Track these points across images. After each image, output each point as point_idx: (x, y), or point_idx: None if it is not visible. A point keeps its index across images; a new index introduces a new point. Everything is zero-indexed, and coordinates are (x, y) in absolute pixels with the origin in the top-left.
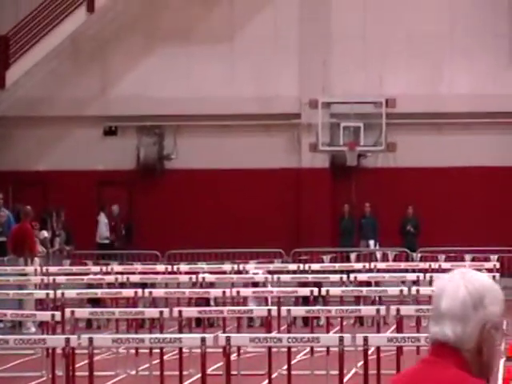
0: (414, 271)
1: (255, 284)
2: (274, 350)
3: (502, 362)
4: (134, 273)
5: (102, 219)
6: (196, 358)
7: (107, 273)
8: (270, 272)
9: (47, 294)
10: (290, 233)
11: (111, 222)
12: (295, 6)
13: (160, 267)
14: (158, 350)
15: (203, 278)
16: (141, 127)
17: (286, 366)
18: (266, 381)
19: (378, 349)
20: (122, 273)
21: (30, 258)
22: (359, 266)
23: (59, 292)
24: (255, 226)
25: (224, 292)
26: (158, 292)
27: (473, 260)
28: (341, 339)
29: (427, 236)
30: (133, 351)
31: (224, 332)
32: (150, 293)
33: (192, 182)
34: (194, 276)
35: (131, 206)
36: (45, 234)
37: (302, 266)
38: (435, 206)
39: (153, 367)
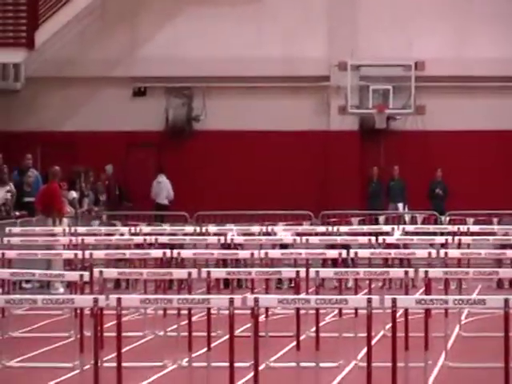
0: (442, 234)
1: (283, 246)
2: (302, 311)
3: None
4: (162, 234)
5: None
6: (224, 319)
7: (135, 234)
8: (298, 234)
9: (75, 255)
10: (319, 195)
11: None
12: None
13: (188, 228)
14: (185, 311)
15: (232, 240)
16: (170, 88)
17: (314, 328)
18: (294, 342)
19: (406, 311)
20: (150, 234)
21: (59, 218)
22: (388, 228)
23: (87, 252)
24: (284, 188)
25: (252, 253)
26: (187, 253)
27: (499, 223)
28: (369, 301)
29: (455, 199)
30: (161, 312)
31: (252, 293)
32: (179, 253)
33: (221, 143)
34: (222, 237)
35: (160, 167)
36: (73, 194)
37: (330, 228)
38: (463, 169)
39: (181, 328)
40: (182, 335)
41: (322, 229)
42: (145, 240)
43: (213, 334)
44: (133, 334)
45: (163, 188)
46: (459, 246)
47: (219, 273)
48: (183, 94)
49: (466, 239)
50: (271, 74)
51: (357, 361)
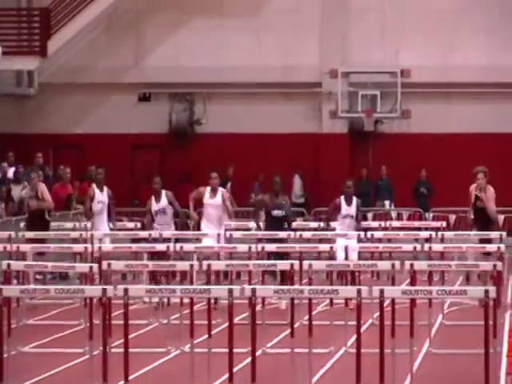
0: (426, 229)
1: (279, 240)
2: (296, 301)
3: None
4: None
5: None
6: (223, 308)
7: (142, 228)
8: (292, 230)
9: (86, 248)
10: (311, 193)
11: None
12: None
13: (191, 224)
14: (188, 300)
15: (231, 235)
16: (173, 94)
17: (307, 317)
18: (289, 330)
19: (392, 301)
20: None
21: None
22: (375, 224)
23: (97, 246)
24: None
25: (250, 247)
26: (189, 246)
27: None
28: (358, 291)
29: (439, 197)
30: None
31: (250, 284)
32: (181, 247)
33: (221, 145)
34: (222, 232)
35: (163, 168)
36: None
37: (322, 224)
38: (446, 170)
39: (183, 316)
40: (184, 323)
41: (314, 224)
42: (150, 235)
43: (213, 322)
44: (139, 322)
45: None
46: (442, 240)
47: (219, 265)
48: (186, 99)
49: (448, 234)
50: (268, 80)
51: (347, 347)
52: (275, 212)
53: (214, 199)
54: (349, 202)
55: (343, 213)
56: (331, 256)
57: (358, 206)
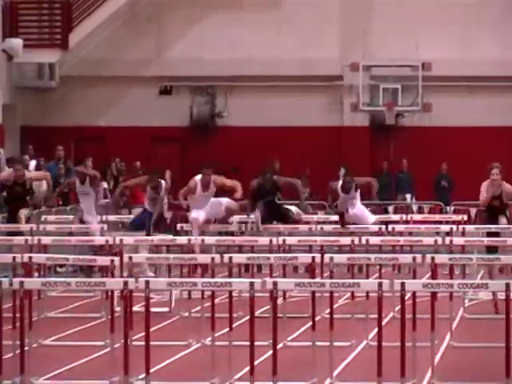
0: (447, 223)
1: (300, 233)
2: (317, 294)
3: None
4: (188, 222)
5: None
6: (245, 301)
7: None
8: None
9: (106, 241)
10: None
11: None
12: None
13: None
14: (209, 293)
15: (252, 228)
16: (194, 87)
17: (328, 310)
18: (310, 323)
19: (413, 294)
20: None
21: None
22: (396, 217)
23: (118, 238)
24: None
25: (271, 240)
26: (210, 239)
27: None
28: (380, 285)
29: (459, 191)
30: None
31: (271, 277)
32: (203, 240)
33: (241, 138)
34: (243, 225)
35: (184, 160)
36: (104, 185)
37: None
38: (467, 163)
39: (204, 309)
40: (205, 316)
41: (335, 218)
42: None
43: (234, 315)
44: (160, 315)
45: None
46: (463, 234)
47: (240, 258)
48: (207, 92)
49: (469, 228)
50: (289, 73)
51: (368, 340)
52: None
53: (207, 193)
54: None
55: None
56: (352, 249)
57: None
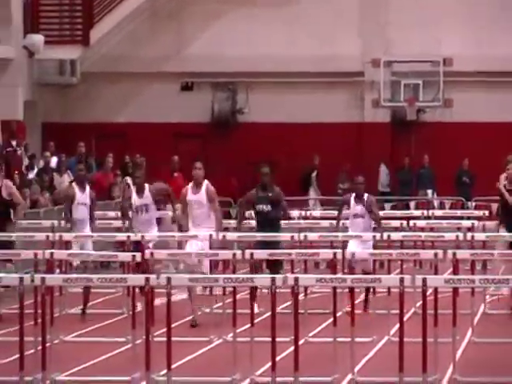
0: (468, 218)
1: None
2: (338, 290)
3: None
4: None
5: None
6: (266, 297)
7: None
8: (334, 218)
9: (128, 237)
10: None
11: None
12: None
13: (233, 213)
14: (231, 289)
15: (224, 236)
16: (215, 83)
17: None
18: (331, 319)
19: (435, 290)
20: None
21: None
22: (418, 213)
23: (139, 235)
24: (321, 176)
25: (292, 236)
26: (232, 235)
27: None
28: (401, 280)
29: (481, 186)
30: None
31: (292, 273)
32: (224, 236)
33: (262, 134)
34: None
35: (204, 157)
36: (128, 180)
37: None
38: (488, 159)
39: (226, 305)
40: (227, 312)
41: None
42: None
43: (255, 311)
44: (181, 311)
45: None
46: (484, 229)
47: (261, 254)
48: (228, 88)
49: (490, 223)
50: (310, 70)
51: (389, 336)
52: (259, 207)
53: (198, 195)
54: (359, 200)
55: (352, 212)
56: (374, 245)
57: (370, 204)
